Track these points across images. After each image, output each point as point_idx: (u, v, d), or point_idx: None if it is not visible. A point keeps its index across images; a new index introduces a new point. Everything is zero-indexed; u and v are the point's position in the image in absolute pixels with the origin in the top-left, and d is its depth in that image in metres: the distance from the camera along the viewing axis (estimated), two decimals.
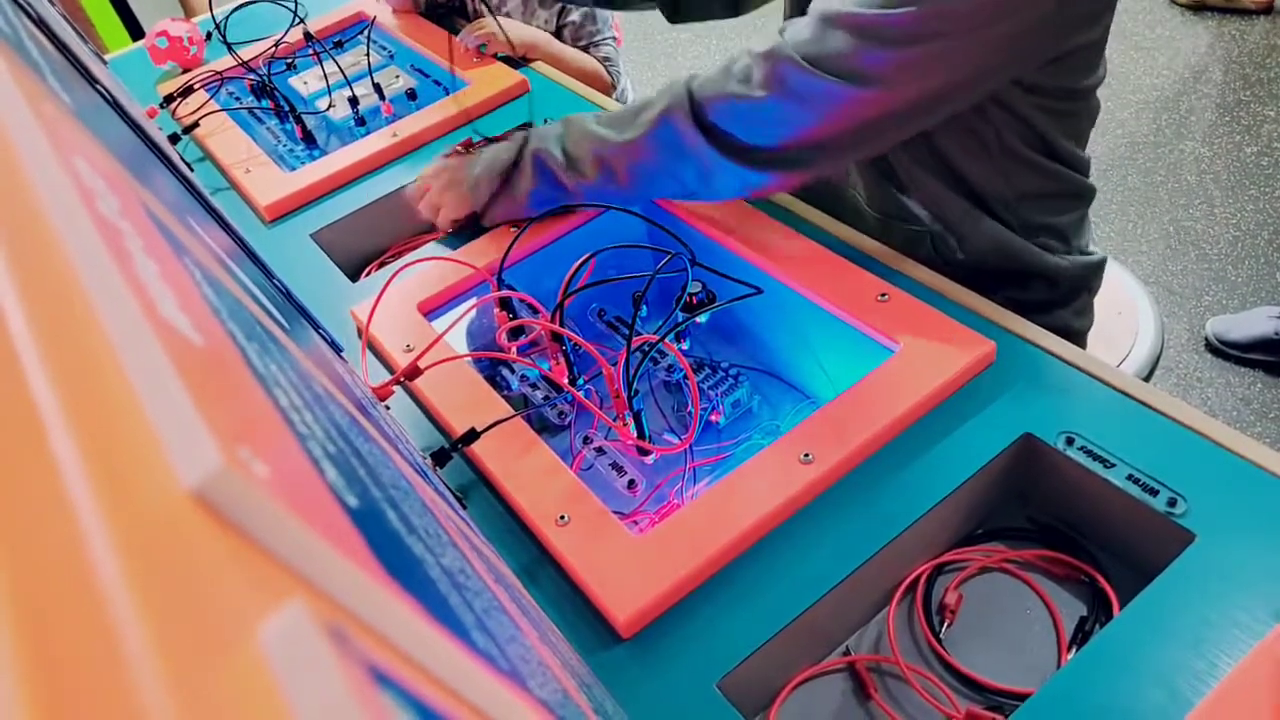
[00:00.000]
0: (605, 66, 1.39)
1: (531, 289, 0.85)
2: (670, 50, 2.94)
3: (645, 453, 0.74)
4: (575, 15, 1.36)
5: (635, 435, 0.72)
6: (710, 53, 2.90)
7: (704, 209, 0.88)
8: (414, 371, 0.73)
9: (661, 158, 0.80)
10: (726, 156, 0.78)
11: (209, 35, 1.37)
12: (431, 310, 0.86)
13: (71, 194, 0.18)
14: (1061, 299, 0.93)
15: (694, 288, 0.78)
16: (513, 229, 0.87)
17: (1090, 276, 0.94)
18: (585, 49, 1.37)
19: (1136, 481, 0.60)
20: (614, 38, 1.42)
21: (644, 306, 0.74)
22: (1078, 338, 0.96)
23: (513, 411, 0.71)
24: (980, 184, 0.86)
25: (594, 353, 0.70)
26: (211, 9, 1.33)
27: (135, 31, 2.60)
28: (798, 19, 0.75)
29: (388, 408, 0.77)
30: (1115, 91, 2.37)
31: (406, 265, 0.86)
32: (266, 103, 1.24)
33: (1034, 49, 0.74)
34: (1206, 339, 1.74)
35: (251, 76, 1.23)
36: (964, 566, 0.66)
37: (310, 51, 1.25)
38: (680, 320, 0.76)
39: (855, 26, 0.70)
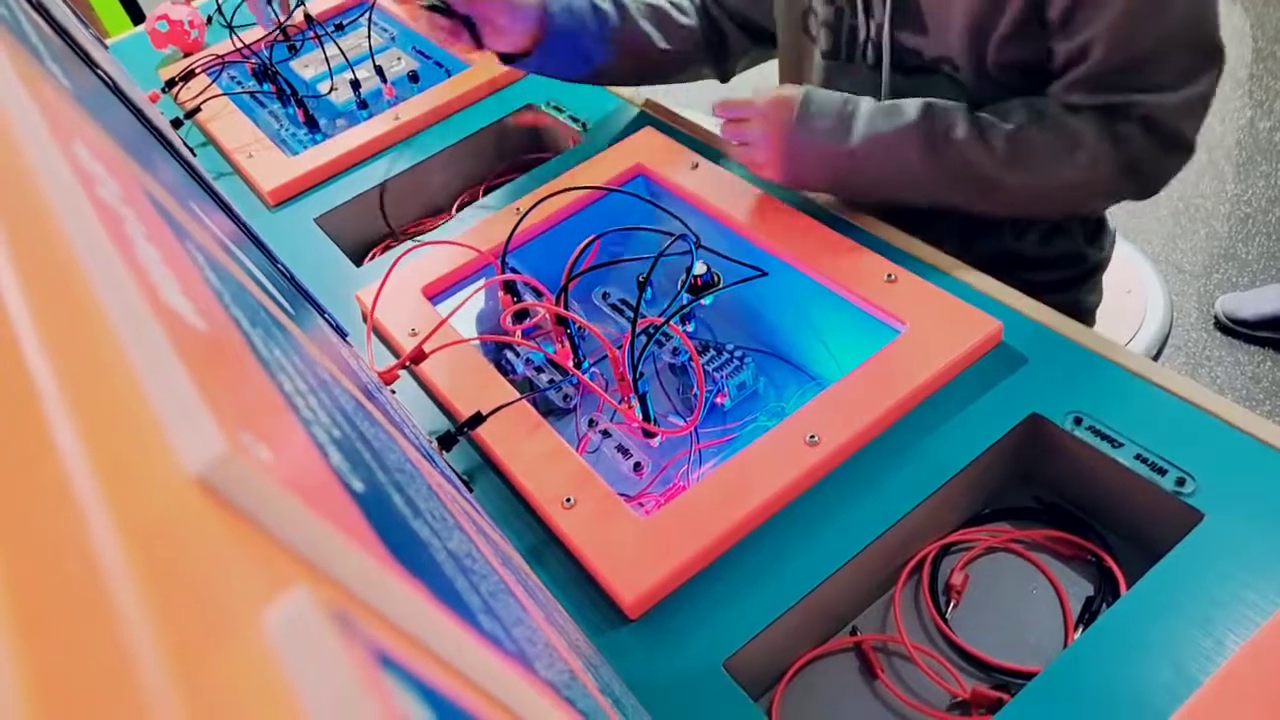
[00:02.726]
0: None
1: (536, 272, 0.85)
2: None
3: (651, 435, 0.74)
4: None
5: (640, 418, 0.72)
6: None
7: (709, 193, 0.87)
8: (419, 355, 0.73)
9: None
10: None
11: (209, 19, 1.36)
12: (436, 294, 0.86)
13: (71, 179, 0.18)
14: (1075, 280, 0.93)
15: (699, 270, 0.78)
16: (516, 211, 0.86)
17: (1104, 254, 0.94)
18: None
19: (1144, 461, 0.60)
20: None
21: (649, 289, 0.74)
22: (1087, 315, 0.96)
23: (518, 395, 0.71)
24: None
25: (599, 335, 0.69)
26: None
27: (136, 15, 2.59)
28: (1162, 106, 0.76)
29: (393, 392, 0.77)
30: None
31: (411, 249, 0.86)
32: (268, 86, 1.23)
33: None
34: (1216, 317, 1.73)
35: (253, 60, 1.23)
36: (970, 547, 0.66)
37: (311, 34, 1.24)
38: (685, 302, 0.76)
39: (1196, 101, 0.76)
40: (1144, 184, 0.80)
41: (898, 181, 0.80)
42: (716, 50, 1.01)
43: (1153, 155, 0.77)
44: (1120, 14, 0.72)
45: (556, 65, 0.96)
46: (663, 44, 0.98)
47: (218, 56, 1.25)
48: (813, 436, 0.64)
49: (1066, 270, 0.92)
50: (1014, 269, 0.84)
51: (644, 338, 0.71)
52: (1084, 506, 0.66)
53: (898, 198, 0.83)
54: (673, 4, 1.00)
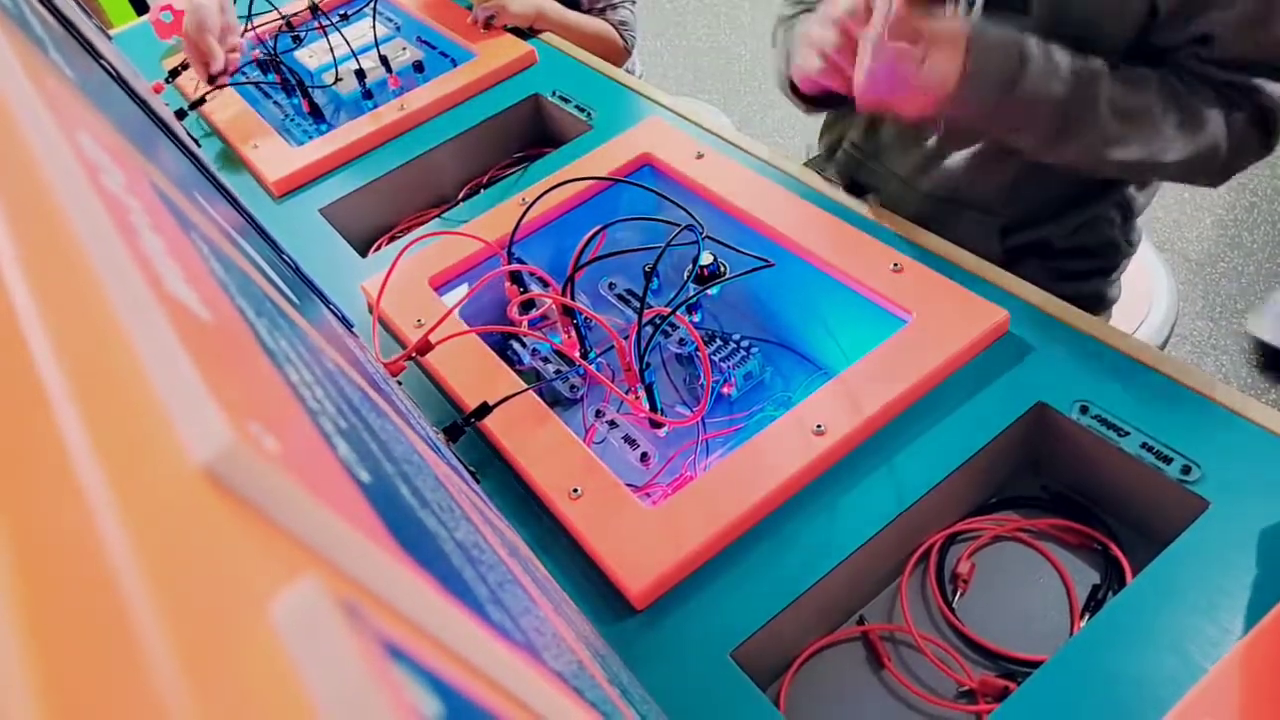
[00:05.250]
0: (621, 30, 1.37)
1: (542, 262, 0.85)
2: (679, 19, 2.91)
3: (657, 425, 0.74)
4: None
5: (647, 408, 0.72)
6: (719, 22, 2.87)
7: (716, 183, 0.87)
8: (425, 346, 0.73)
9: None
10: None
11: None
12: (442, 285, 0.86)
13: (76, 168, 0.18)
14: (1104, 270, 0.93)
15: (705, 260, 0.77)
16: (522, 201, 0.86)
17: (1134, 247, 0.95)
18: (603, 11, 1.36)
19: (1150, 449, 0.60)
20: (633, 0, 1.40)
21: (655, 279, 0.74)
22: (1105, 308, 0.97)
23: (524, 386, 0.71)
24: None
25: (605, 326, 0.69)
26: None
27: (140, 6, 2.58)
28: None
29: (400, 383, 0.77)
30: None
31: (416, 240, 0.86)
32: (273, 77, 1.23)
33: None
34: (1260, 343, 1.64)
35: (258, 50, 1.23)
36: (977, 536, 0.66)
37: (316, 25, 1.24)
38: (692, 293, 0.76)
39: None
40: (1227, 171, 0.79)
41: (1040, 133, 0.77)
42: None
43: (1253, 144, 0.77)
44: (1242, 15, 0.71)
45: None
46: None
47: None
48: (819, 426, 0.64)
49: (1098, 260, 0.92)
50: (1047, 256, 0.84)
51: (650, 328, 0.71)
52: (1090, 495, 0.66)
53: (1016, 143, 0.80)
54: None
